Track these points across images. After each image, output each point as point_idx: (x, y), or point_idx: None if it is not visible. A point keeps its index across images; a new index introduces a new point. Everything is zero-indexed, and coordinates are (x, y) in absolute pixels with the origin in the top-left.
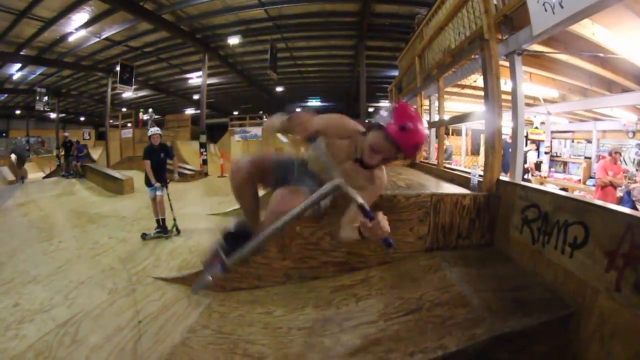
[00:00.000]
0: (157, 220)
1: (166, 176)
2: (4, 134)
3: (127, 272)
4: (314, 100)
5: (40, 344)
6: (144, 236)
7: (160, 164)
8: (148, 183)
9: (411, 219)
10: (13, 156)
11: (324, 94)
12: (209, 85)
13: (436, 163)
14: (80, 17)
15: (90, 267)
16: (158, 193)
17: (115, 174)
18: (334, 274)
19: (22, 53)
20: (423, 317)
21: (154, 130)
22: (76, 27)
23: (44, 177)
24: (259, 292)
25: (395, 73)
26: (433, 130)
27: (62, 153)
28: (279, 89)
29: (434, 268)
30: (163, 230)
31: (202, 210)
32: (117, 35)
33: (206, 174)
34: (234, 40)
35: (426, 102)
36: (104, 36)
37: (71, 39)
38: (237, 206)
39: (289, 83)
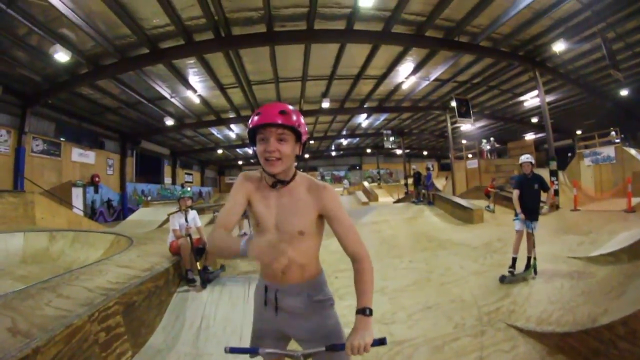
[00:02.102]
0: (514, 258)
1: (539, 210)
2: (357, 167)
3: (477, 309)
4: None
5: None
6: (502, 279)
7: (532, 196)
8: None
9: None
10: None
11: None
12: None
13: None
14: (406, 67)
15: (439, 293)
16: (528, 228)
17: (465, 203)
18: None
19: (365, 106)
20: None
21: (526, 157)
22: (405, 76)
23: (394, 202)
24: None
25: None
26: None
27: (412, 182)
28: (624, 92)
29: None
30: (526, 268)
31: (560, 250)
32: (444, 74)
33: (557, 207)
34: (559, 47)
35: None
36: (432, 78)
37: (404, 86)
38: (605, 251)
39: (634, 80)
